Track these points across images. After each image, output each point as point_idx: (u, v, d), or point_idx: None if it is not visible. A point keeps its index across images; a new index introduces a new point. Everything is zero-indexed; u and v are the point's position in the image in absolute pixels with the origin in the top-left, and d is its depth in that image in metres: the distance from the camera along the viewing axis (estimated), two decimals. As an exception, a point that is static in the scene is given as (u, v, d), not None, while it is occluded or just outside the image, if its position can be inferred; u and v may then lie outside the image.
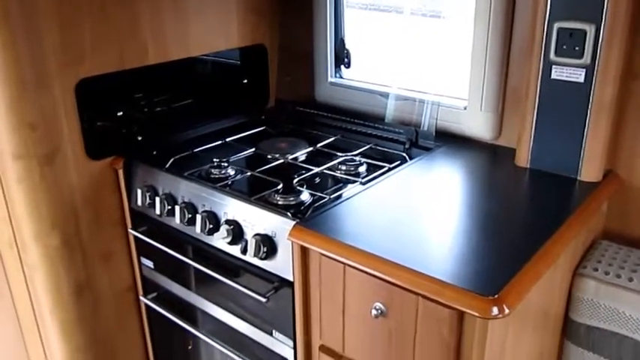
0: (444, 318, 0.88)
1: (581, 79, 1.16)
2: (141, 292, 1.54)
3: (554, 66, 1.19)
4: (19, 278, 1.43)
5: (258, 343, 1.26)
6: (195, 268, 1.34)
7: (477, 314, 0.82)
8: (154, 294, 1.51)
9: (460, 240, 1.00)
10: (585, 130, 1.18)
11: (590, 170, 1.21)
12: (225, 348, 1.33)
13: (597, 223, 1.30)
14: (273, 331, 1.22)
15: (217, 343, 1.34)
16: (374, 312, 0.96)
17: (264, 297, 1.13)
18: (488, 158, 1.38)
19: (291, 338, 1.18)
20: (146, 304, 1.54)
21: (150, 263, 1.47)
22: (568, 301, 1.22)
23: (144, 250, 1.47)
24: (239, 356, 1.29)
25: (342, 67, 1.72)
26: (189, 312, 1.42)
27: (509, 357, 0.99)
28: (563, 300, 1.22)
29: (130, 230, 1.44)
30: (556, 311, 1.21)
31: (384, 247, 0.96)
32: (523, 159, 1.29)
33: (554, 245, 0.98)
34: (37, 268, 1.35)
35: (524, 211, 1.14)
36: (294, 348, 1.18)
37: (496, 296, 0.82)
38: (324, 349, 1.12)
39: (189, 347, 1.51)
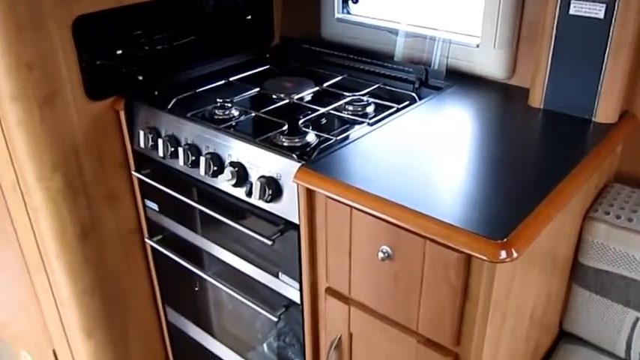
0: (451, 261, 0.89)
1: (601, 16, 1.12)
2: (146, 234, 1.56)
3: (572, 1, 1.15)
4: (23, 220, 1.44)
5: (265, 286, 1.28)
6: (200, 210, 1.34)
7: (485, 258, 0.82)
8: (160, 236, 1.52)
9: (469, 183, 0.99)
10: (603, 69, 1.16)
11: (605, 111, 1.19)
12: (232, 290, 1.35)
13: (611, 165, 1.29)
14: (280, 274, 1.23)
15: (223, 285, 1.37)
16: (380, 255, 0.97)
17: (269, 240, 1.14)
18: (500, 99, 1.36)
19: (297, 280, 1.20)
20: (152, 247, 1.56)
21: (154, 206, 1.48)
22: (577, 244, 1.23)
23: (148, 192, 1.48)
24: (246, 298, 1.32)
25: (350, 2, 1.67)
26: (194, 254, 1.44)
27: (516, 300, 1.01)
28: (572, 243, 1.22)
29: (134, 172, 1.44)
30: (565, 254, 1.22)
31: (392, 190, 0.96)
32: (537, 99, 1.26)
33: (565, 188, 0.97)
34: (40, 210, 1.36)
35: (536, 153, 1.13)
36: (300, 290, 1.20)
37: (505, 240, 0.82)
38: (330, 291, 1.14)
39: (196, 288, 1.54)
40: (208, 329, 1.58)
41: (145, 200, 1.50)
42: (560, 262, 1.21)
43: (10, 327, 2.08)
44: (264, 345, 1.43)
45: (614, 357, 1.27)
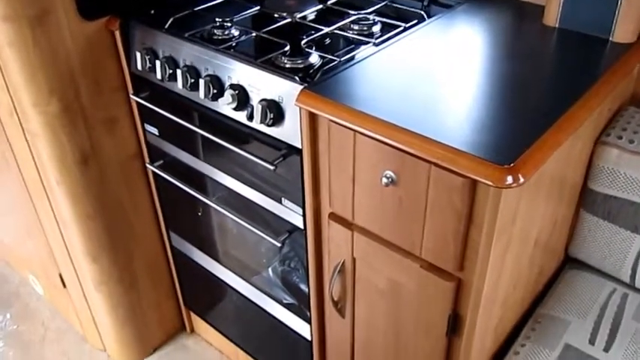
0: (456, 187, 0.88)
1: None
2: (147, 159, 1.56)
3: None
4: (22, 147, 1.45)
5: (268, 211, 1.29)
6: (201, 135, 1.34)
7: (490, 183, 0.82)
8: (161, 161, 1.53)
9: (478, 106, 0.97)
10: (624, -17, 1.11)
11: (624, 30, 1.15)
12: (235, 216, 1.37)
13: (626, 88, 1.26)
14: (282, 199, 1.24)
15: (226, 210, 1.38)
16: (384, 180, 0.97)
17: (271, 165, 1.14)
18: (513, 17, 1.31)
19: (300, 206, 1.20)
20: (153, 172, 1.57)
21: (154, 130, 1.48)
22: (587, 169, 1.22)
23: (147, 116, 1.47)
24: (249, 224, 1.33)
25: None
26: (196, 179, 1.45)
27: (521, 225, 1.01)
28: (582, 169, 1.22)
29: (132, 96, 1.43)
30: (573, 180, 1.21)
31: (397, 114, 0.94)
32: (552, 17, 1.22)
33: (577, 112, 0.95)
34: (38, 135, 1.36)
35: (549, 75, 1.10)
36: (304, 216, 1.21)
37: (511, 165, 0.82)
38: (333, 216, 1.14)
39: (199, 214, 1.56)
40: (213, 254, 1.61)
41: (145, 125, 1.49)
42: (569, 187, 1.21)
43: (17, 251, 2.14)
44: (269, 269, 1.46)
45: (618, 282, 1.29)
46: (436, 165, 0.89)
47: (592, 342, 1.17)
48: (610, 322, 1.21)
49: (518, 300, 1.21)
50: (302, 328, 1.44)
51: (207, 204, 1.46)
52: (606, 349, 1.15)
